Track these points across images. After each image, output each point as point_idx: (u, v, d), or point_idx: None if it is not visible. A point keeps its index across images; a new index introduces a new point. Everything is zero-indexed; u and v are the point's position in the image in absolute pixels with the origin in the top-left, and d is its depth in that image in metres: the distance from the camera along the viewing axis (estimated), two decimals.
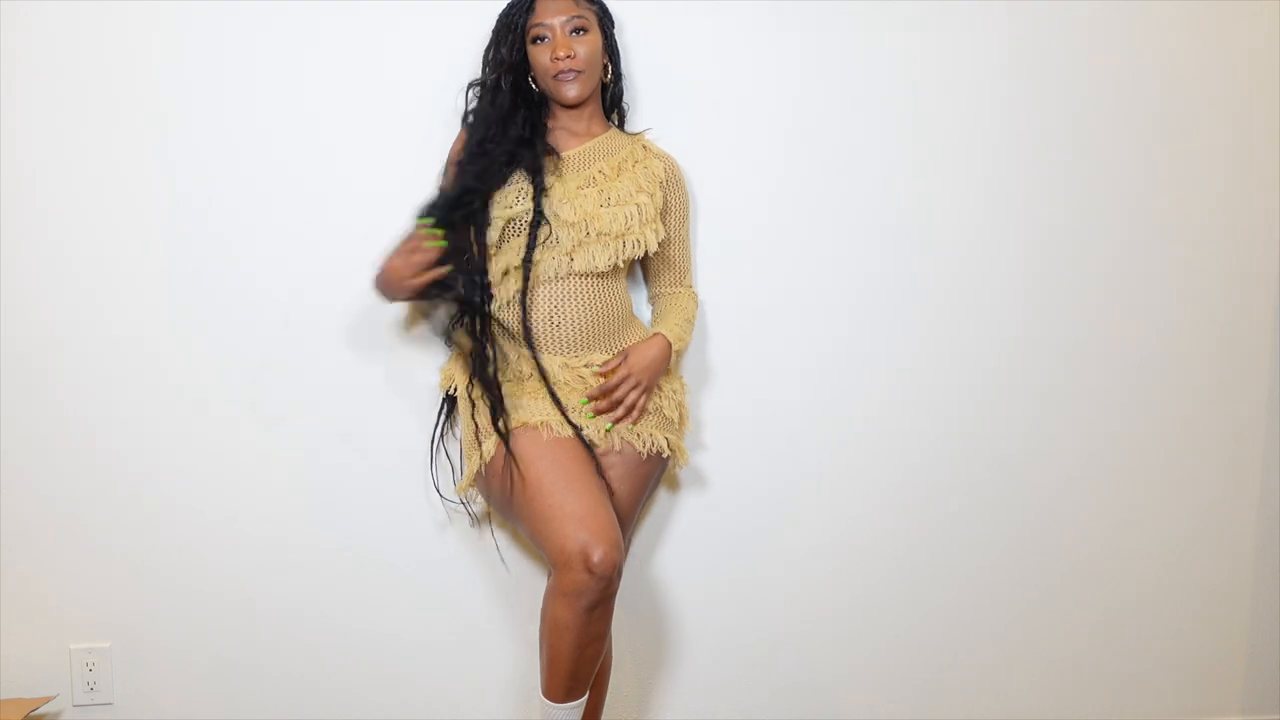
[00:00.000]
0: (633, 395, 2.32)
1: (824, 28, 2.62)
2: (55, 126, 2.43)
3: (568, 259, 2.31)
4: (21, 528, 2.49)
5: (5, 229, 2.44)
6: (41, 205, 2.45)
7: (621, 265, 2.36)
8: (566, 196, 2.32)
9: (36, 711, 2.46)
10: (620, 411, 2.32)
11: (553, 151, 2.36)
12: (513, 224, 2.31)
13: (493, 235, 2.31)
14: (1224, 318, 2.82)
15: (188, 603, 2.55)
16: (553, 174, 2.35)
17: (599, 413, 2.31)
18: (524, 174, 2.32)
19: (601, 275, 2.35)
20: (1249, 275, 2.81)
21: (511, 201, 2.31)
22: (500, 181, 2.30)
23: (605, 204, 2.33)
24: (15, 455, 2.48)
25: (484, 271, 2.28)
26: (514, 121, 2.35)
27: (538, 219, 2.29)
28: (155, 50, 2.45)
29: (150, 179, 2.47)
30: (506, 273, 2.32)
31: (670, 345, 2.38)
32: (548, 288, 2.32)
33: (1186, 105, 2.76)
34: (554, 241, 2.30)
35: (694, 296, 2.53)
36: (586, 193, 2.34)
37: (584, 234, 2.31)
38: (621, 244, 2.33)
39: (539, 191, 2.30)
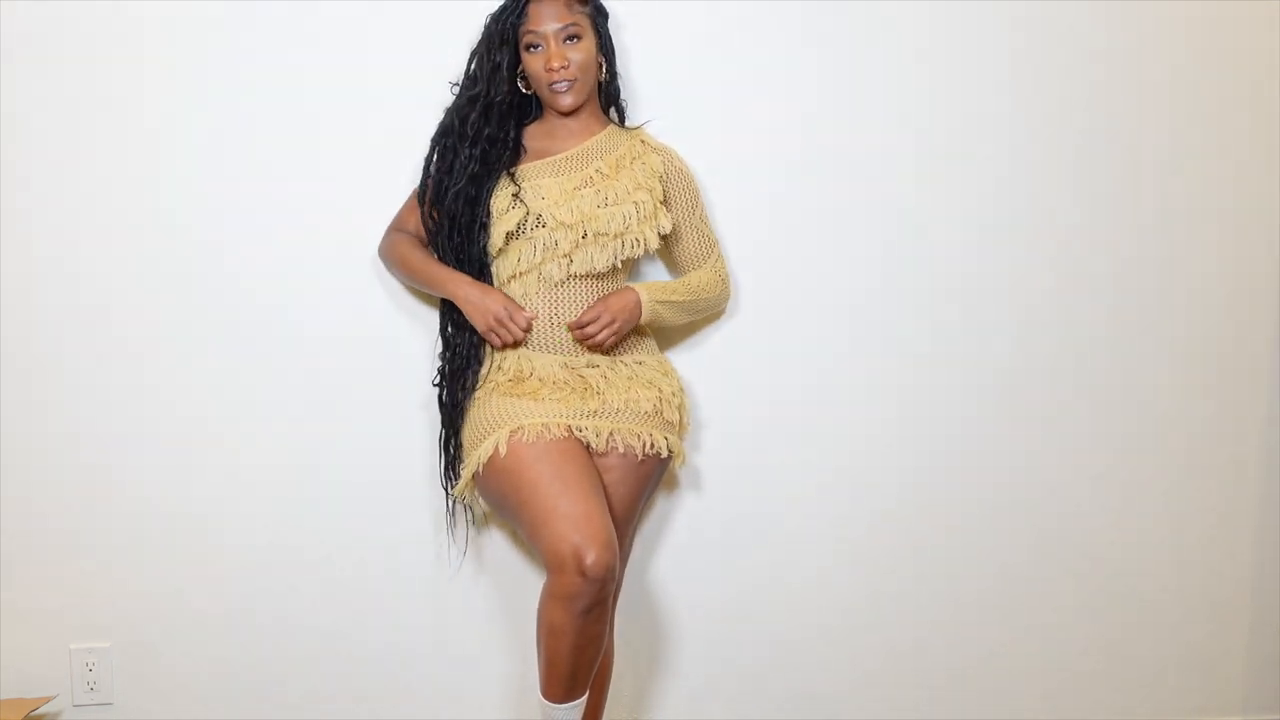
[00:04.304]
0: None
1: (829, 27, 2.63)
2: (50, 129, 2.44)
3: (567, 261, 2.31)
4: (21, 528, 2.50)
5: (4, 231, 2.44)
6: (40, 210, 2.45)
7: (620, 266, 2.35)
8: (564, 198, 2.32)
9: (36, 711, 2.46)
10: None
11: (521, 150, 2.39)
12: (516, 228, 2.31)
13: (496, 242, 2.32)
14: (1225, 321, 2.80)
15: (188, 603, 2.56)
16: (550, 174, 2.35)
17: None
18: (507, 177, 2.34)
19: (602, 276, 2.34)
20: (1250, 279, 2.80)
21: (504, 207, 2.32)
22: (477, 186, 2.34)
23: (603, 204, 2.32)
24: (15, 456, 2.49)
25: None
26: (489, 123, 2.36)
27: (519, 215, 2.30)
28: (151, 51, 2.46)
29: (148, 182, 2.47)
30: (512, 277, 2.33)
31: (639, 298, 2.32)
32: (549, 290, 2.32)
33: (1188, 108, 2.75)
34: (552, 244, 2.30)
35: (716, 270, 2.48)
36: (584, 193, 2.33)
37: (581, 235, 2.30)
38: (620, 244, 2.32)
39: (518, 183, 2.32)
